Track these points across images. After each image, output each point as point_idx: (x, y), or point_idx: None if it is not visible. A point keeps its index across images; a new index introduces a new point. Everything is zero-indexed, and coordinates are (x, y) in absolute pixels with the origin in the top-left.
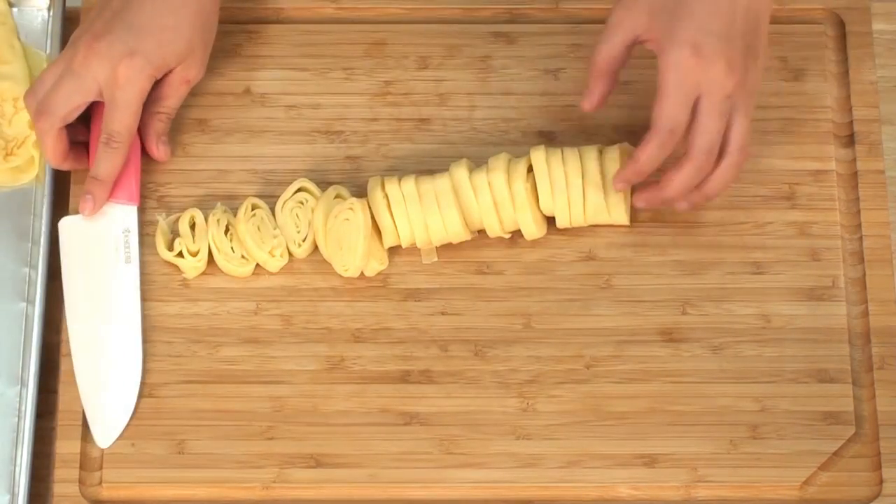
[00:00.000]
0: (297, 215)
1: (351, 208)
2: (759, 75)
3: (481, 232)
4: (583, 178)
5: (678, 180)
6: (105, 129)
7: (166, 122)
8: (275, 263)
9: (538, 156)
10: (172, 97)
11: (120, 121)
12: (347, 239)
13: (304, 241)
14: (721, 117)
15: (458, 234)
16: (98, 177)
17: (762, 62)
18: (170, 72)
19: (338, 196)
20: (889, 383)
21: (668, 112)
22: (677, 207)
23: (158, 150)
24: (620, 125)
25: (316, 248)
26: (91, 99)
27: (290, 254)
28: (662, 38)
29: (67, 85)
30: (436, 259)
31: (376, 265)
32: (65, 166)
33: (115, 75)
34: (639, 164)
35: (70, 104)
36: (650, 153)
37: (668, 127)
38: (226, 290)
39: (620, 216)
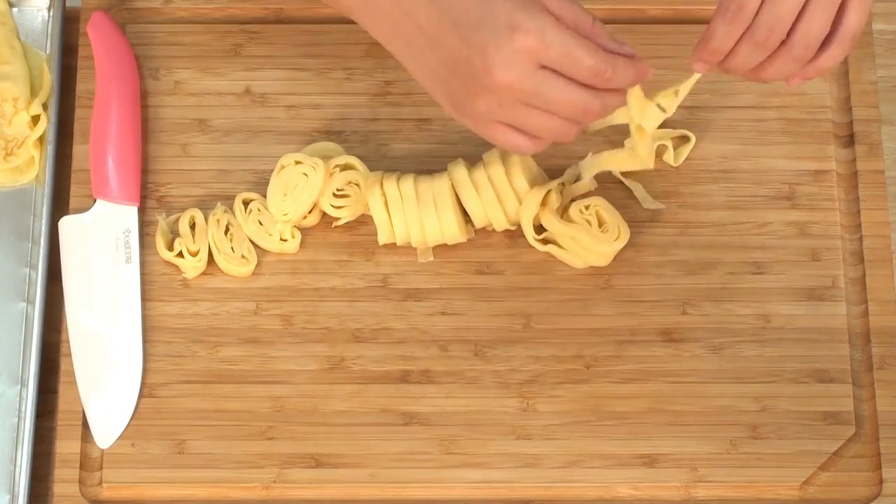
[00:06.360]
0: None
1: (314, 166)
2: None
3: (479, 232)
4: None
5: (773, 67)
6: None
7: None
8: (292, 245)
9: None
10: None
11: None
12: (296, 191)
13: (309, 212)
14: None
15: (453, 235)
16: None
17: None
18: None
19: (346, 165)
20: (889, 383)
21: None
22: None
23: None
24: (619, 124)
25: (324, 215)
26: None
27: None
28: None
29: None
30: (431, 258)
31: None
32: None
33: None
34: (711, 42)
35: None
36: (718, 31)
37: (737, 2)
38: (226, 290)
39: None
